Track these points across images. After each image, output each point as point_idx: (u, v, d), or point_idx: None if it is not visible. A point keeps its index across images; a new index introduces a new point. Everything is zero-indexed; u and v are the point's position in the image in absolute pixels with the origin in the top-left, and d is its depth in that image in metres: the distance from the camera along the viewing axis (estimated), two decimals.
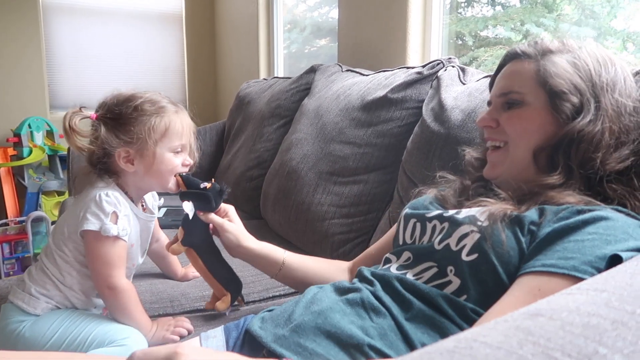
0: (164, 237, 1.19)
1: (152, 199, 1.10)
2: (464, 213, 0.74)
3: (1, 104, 3.18)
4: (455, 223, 0.72)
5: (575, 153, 0.71)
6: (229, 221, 0.99)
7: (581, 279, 0.55)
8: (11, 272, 2.53)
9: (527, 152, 0.75)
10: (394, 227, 0.98)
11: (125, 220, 0.94)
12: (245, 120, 2.21)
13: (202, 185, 0.97)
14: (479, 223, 0.69)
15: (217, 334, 0.82)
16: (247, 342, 0.78)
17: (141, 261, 1.07)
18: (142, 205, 1.05)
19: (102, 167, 0.97)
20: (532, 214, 0.67)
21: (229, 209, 1.01)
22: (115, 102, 0.96)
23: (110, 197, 0.93)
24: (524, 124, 0.76)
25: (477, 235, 0.68)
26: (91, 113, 0.97)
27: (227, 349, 0.79)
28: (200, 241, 0.99)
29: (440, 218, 0.76)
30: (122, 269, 0.94)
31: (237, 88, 2.57)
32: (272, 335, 0.71)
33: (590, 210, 0.64)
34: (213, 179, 1.01)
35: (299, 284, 1.01)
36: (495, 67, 0.87)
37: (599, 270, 0.56)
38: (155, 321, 0.97)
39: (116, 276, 0.93)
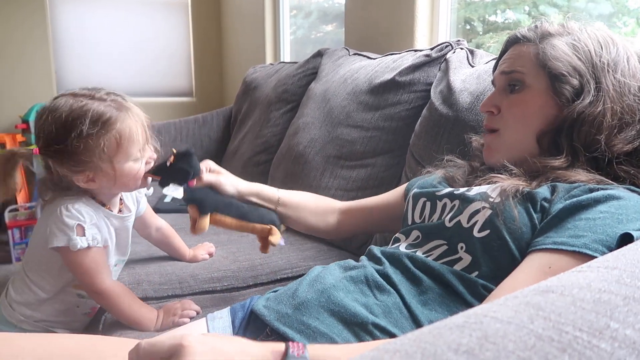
0: (163, 224, 1.19)
1: (135, 192, 1.07)
2: (475, 190, 0.74)
3: (9, 91, 3.19)
4: (466, 200, 0.72)
5: (577, 135, 0.71)
6: (217, 173, 0.98)
7: (592, 257, 0.55)
8: (22, 257, 2.56)
9: (528, 136, 0.75)
10: (395, 190, 1.00)
11: (94, 228, 0.93)
12: (252, 106, 2.20)
13: (168, 164, 0.93)
14: (491, 200, 0.69)
15: (223, 315, 0.83)
16: (252, 321, 0.78)
17: (125, 258, 1.07)
18: (120, 200, 1.03)
19: (65, 185, 0.93)
20: (544, 190, 0.67)
21: (208, 162, 0.99)
22: (54, 132, 0.86)
23: (70, 211, 0.90)
24: (524, 109, 0.76)
25: (488, 212, 0.67)
26: (33, 148, 0.92)
27: (233, 330, 0.80)
28: (215, 202, 0.93)
29: (450, 196, 0.76)
30: (103, 273, 0.94)
31: (244, 73, 2.57)
32: (275, 314, 0.72)
33: (602, 189, 0.63)
34: (174, 150, 0.95)
35: (294, 222, 1.03)
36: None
37: (610, 249, 0.56)
38: (160, 309, 0.97)
39: (99, 281, 0.93)
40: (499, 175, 0.73)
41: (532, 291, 0.39)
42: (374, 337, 0.64)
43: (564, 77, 0.72)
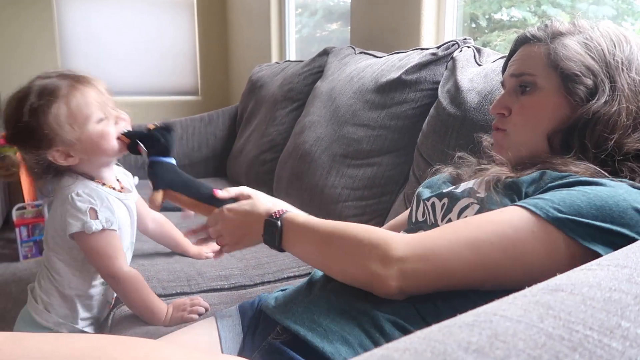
0: (158, 214, 1.19)
1: (125, 177, 1.08)
2: (462, 186, 0.74)
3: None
4: (454, 198, 0.73)
5: (590, 135, 0.70)
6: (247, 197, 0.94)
7: (533, 212, 0.58)
8: (29, 255, 2.57)
9: (538, 136, 0.74)
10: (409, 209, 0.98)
11: (107, 210, 0.94)
12: (258, 104, 2.21)
13: (145, 130, 0.94)
14: (478, 195, 0.69)
15: (232, 314, 0.83)
16: (262, 320, 0.78)
17: (133, 240, 1.07)
18: (119, 181, 1.03)
19: (52, 170, 0.94)
20: (529, 177, 0.67)
21: (244, 189, 0.95)
22: (9, 114, 0.90)
23: (81, 195, 0.92)
24: (536, 110, 0.74)
25: (476, 207, 0.68)
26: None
27: (243, 328, 0.80)
28: (171, 179, 0.92)
29: (439, 195, 0.76)
30: (119, 257, 0.95)
31: (249, 72, 2.57)
32: (285, 312, 0.72)
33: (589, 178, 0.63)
34: (150, 125, 0.95)
35: None
36: (508, 52, 0.86)
37: (558, 210, 0.57)
38: (170, 304, 0.98)
39: (115, 265, 0.94)
40: (485, 166, 0.74)
41: (542, 290, 0.38)
42: (385, 335, 0.63)
43: (577, 77, 0.71)
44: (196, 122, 2.44)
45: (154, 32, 3.66)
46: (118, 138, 0.95)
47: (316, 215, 1.44)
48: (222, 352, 0.77)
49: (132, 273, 0.96)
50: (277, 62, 2.43)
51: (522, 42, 0.80)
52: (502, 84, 0.83)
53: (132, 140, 0.95)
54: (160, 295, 1.06)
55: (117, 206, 0.98)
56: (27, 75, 0.95)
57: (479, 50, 1.25)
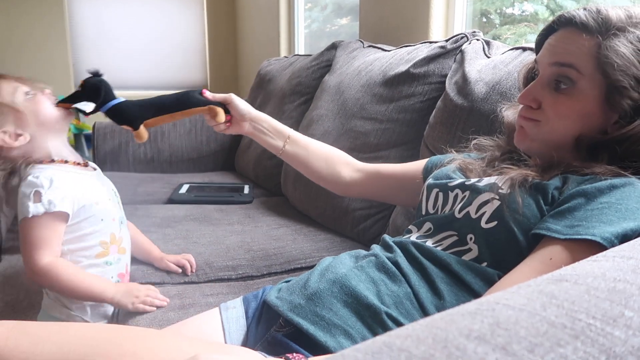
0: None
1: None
2: (485, 181, 0.73)
3: None
4: (475, 191, 0.72)
5: (626, 149, 0.65)
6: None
7: (586, 240, 0.56)
8: None
9: (567, 136, 0.69)
10: (415, 163, 0.99)
11: (57, 190, 0.88)
12: (266, 98, 2.21)
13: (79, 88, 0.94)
14: (500, 191, 0.68)
15: (236, 305, 0.83)
16: (265, 312, 0.79)
17: (122, 214, 1.03)
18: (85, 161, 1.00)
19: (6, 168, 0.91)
20: (555, 181, 0.66)
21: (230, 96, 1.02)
22: None
23: (28, 180, 0.89)
24: (570, 111, 0.68)
25: (497, 203, 0.67)
26: None
27: (247, 320, 0.81)
28: (139, 113, 0.94)
29: (462, 187, 0.75)
30: (44, 248, 0.88)
31: (258, 66, 2.57)
32: (288, 304, 0.72)
33: (608, 179, 0.62)
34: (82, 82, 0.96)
35: (302, 163, 1.05)
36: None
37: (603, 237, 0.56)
38: (121, 285, 0.93)
39: (33, 257, 0.87)
40: (511, 167, 0.71)
41: (546, 280, 0.38)
42: (386, 329, 0.64)
43: (625, 90, 0.64)
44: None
45: (163, 27, 3.68)
46: (60, 109, 0.94)
47: (323, 211, 1.45)
48: (226, 342, 0.77)
49: (55, 262, 0.88)
50: (285, 57, 2.43)
51: (566, 23, 0.69)
52: (536, 62, 0.74)
53: (72, 101, 0.94)
54: (167, 284, 1.06)
55: (84, 182, 0.94)
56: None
57: (488, 43, 1.24)
